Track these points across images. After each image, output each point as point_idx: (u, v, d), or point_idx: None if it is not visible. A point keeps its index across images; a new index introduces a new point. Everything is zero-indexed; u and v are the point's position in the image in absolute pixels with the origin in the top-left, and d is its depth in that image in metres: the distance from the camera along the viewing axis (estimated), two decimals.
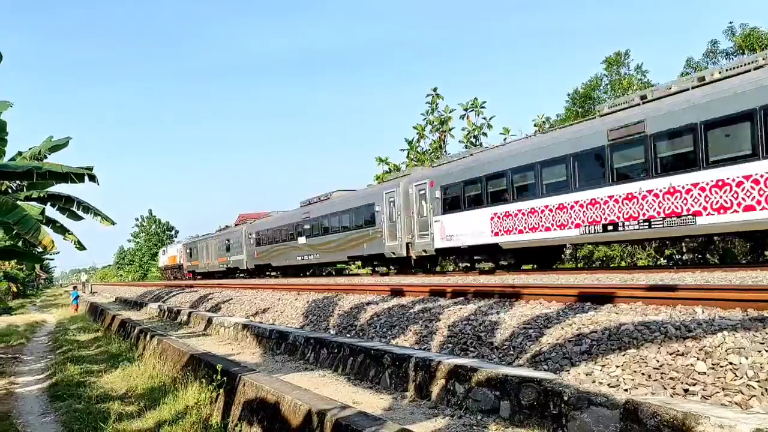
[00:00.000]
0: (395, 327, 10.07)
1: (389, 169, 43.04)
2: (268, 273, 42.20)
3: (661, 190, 15.24)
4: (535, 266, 23.42)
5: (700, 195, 14.42)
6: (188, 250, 59.53)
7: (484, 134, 40.79)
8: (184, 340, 13.92)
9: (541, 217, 18.77)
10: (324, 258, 33.06)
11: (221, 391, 8.29)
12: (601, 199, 16.78)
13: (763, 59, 14.11)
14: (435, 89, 42.38)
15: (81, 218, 16.86)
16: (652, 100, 16.39)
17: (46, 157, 16.51)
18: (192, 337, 15.13)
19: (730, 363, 5.17)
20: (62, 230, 17.61)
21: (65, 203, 16.89)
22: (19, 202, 12.98)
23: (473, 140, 40.72)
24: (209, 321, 16.61)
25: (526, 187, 19.44)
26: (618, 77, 38.47)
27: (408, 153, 42.95)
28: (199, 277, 54.70)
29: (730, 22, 34.31)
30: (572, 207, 17.67)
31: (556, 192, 18.31)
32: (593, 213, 17.03)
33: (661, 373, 5.44)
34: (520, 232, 19.56)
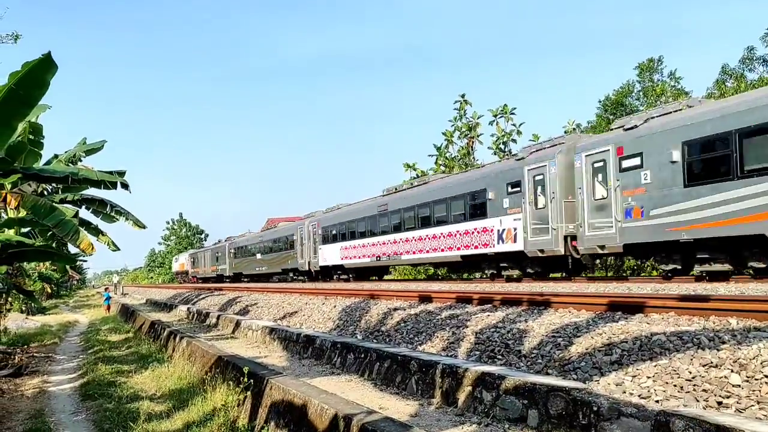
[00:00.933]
0: (422, 333, 10.04)
1: (417, 175, 43.03)
2: (242, 279, 52.39)
3: None
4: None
5: None
6: (192, 259, 71.38)
7: (514, 141, 40.58)
8: (213, 342, 14.06)
9: None
10: (270, 269, 44.22)
11: (248, 393, 8.34)
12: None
13: None
14: (463, 95, 42.35)
15: (114, 220, 17.16)
16: None
17: (80, 160, 16.84)
18: (220, 340, 15.28)
19: (766, 376, 5.04)
20: (96, 232, 17.94)
21: (98, 206, 17.21)
22: (56, 206, 13.26)
23: (503, 146, 40.52)
24: (237, 324, 16.75)
25: None
26: (651, 84, 37.96)
27: (436, 159, 42.90)
28: (200, 281, 64.02)
29: (767, 29, 33.67)
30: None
31: None
32: None
33: (694, 385, 5.33)
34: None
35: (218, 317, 19.51)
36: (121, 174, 13.83)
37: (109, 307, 38.40)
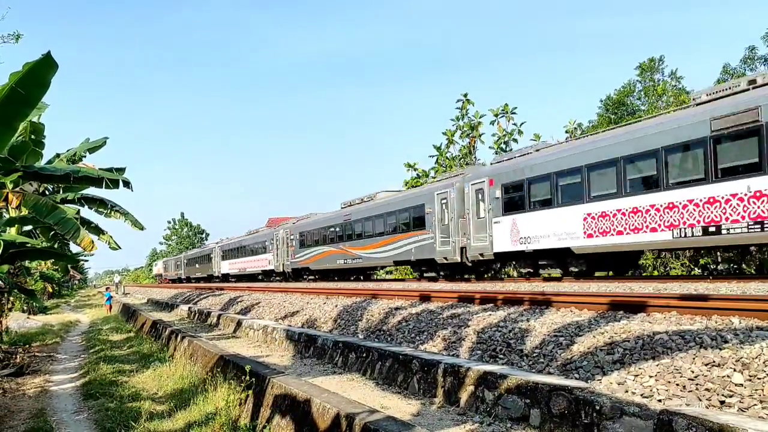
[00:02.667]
0: (424, 332, 10.04)
1: (418, 174, 43.01)
2: (192, 281, 68.23)
3: None
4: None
5: None
6: (164, 265, 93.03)
7: (515, 140, 40.55)
8: (214, 341, 14.07)
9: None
10: (202, 274, 64.27)
11: (250, 392, 8.34)
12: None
13: None
14: (465, 95, 42.31)
15: (115, 217, 17.19)
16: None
17: (82, 159, 16.87)
18: (221, 339, 15.29)
19: None
20: (96, 230, 17.97)
21: (99, 206, 17.25)
22: (57, 204, 13.28)
23: (504, 146, 40.49)
24: (239, 323, 16.76)
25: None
26: (652, 83, 37.94)
27: (437, 159, 42.88)
28: (169, 281, 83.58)
29: None
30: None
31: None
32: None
33: (696, 384, 5.33)
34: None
35: (219, 317, 19.52)
36: (121, 171, 13.83)
37: (110, 307, 38.42)
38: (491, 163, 24.36)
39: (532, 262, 20.71)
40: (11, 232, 13.13)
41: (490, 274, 25.00)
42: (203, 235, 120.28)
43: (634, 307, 8.07)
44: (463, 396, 6.89)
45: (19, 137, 12.97)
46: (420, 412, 6.91)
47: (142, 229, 17.63)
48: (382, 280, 36.26)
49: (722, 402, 5.01)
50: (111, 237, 18.03)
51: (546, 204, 19.19)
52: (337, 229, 33.60)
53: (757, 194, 13.42)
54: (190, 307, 25.95)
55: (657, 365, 5.85)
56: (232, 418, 8.24)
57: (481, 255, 22.07)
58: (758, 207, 13.44)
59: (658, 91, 36.19)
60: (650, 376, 5.73)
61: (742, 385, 5.09)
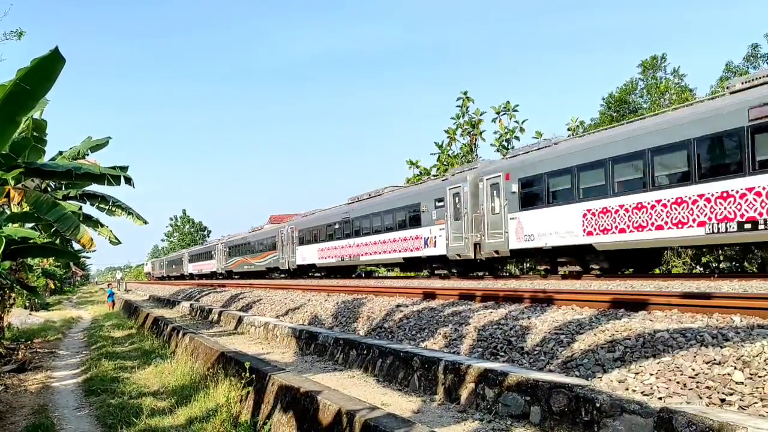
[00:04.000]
0: (424, 330, 10.04)
1: (420, 172, 42.99)
2: (170, 278, 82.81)
3: None
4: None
5: None
6: (152, 265, 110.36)
7: (516, 138, 40.48)
8: (215, 338, 14.09)
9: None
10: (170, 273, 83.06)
11: (251, 389, 8.36)
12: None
13: None
14: (465, 92, 42.23)
15: (117, 215, 17.20)
16: None
17: (85, 157, 16.88)
18: (223, 336, 15.31)
19: None
20: (96, 224, 17.99)
21: (101, 202, 17.26)
22: (58, 201, 13.30)
23: (505, 144, 40.44)
24: (239, 320, 16.78)
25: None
26: (654, 81, 37.85)
27: (439, 156, 42.84)
28: (155, 278, 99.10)
29: None
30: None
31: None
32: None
33: (697, 382, 5.33)
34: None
35: (220, 313, 19.54)
36: (124, 169, 13.84)
37: (113, 304, 38.51)
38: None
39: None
40: (13, 229, 13.14)
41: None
42: (205, 232, 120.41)
43: (635, 305, 8.07)
44: (464, 393, 6.89)
45: (21, 134, 12.97)
46: (420, 409, 6.91)
47: (145, 223, 17.63)
48: (384, 277, 36.42)
49: (723, 400, 5.01)
50: (111, 231, 18.04)
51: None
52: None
53: None
54: (191, 304, 25.98)
55: (658, 363, 5.85)
56: (233, 414, 8.26)
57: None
58: None
59: (661, 88, 36.12)
60: (651, 374, 5.73)
61: (742, 383, 5.08)
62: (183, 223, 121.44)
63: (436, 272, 25.79)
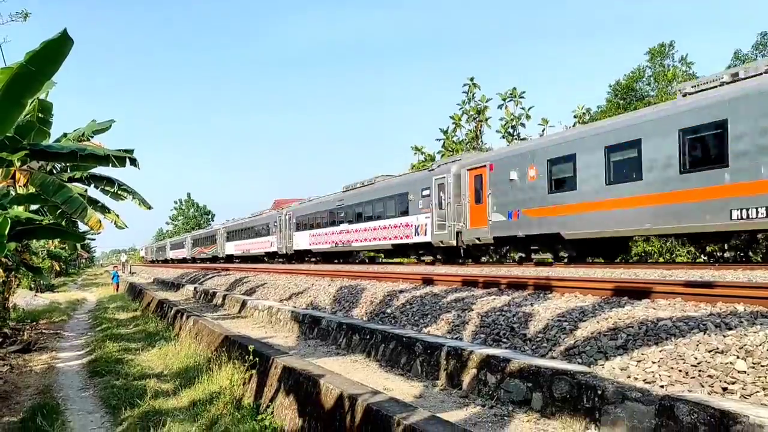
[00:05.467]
0: (427, 315, 10.07)
1: (425, 158, 42.88)
2: (158, 262, 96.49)
3: None
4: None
5: None
6: (145, 249, 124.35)
7: (522, 125, 40.29)
8: (219, 321, 14.16)
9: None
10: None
11: (254, 372, 8.41)
12: None
13: None
14: (472, 79, 41.97)
15: (122, 198, 17.20)
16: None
17: (89, 139, 16.87)
18: (227, 319, 15.38)
19: None
20: (102, 209, 18.01)
21: (106, 184, 17.26)
22: (64, 183, 13.30)
23: (511, 130, 40.27)
24: (243, 304, 16.85)
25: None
26: (662, 69, 37.58)
27: (443, 143, 42.70)
28: (148, 262, 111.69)
29: None
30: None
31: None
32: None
33: (699, 371, 5.33)
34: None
35: (224, 297, 19.62)
36: (129, 152, 13.81)
37: (117, 286, 38.71)
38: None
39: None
40: (19, 210, 13.16)
41: (487, 258, 25.54)
42: (209, 216, 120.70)
43: (638, 293, 8.07)
44: (466, 379, 6.92)
45: (26, 115, 12.96)
46: (422, 394, 6.94)
47: (149, 208, 17.63)
48: (384, 263, 36.41)
49: (725, 389, 5.02)
50: (117, 216, 18.07)
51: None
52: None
53: None
54: (195, 287, 26.09)
55: (660, 351, 5.86)
56: (236, 397, 8.31)
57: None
58: None
59: (668, 76, 35.87)
60: (653, 362, 5.73)
61: (745, 372, 5.08)
62: (187, 206, 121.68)
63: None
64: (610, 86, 40.03)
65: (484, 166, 22.01)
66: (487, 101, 41.59)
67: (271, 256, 46.08)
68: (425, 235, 25.42)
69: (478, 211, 22.25)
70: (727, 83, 14.52)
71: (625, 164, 16.46)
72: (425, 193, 25.56)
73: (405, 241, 27.25)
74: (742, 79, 14.27)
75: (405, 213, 27.14)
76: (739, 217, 13.54)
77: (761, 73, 13.89)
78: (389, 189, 29.17)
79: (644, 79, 38.75)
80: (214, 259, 62.12)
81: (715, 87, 14.76)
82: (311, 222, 37.90)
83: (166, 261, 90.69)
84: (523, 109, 40.32)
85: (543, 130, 36.84)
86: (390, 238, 28.48)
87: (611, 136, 16.89)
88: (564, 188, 18.50)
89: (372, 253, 39.01)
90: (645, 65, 38.72)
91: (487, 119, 41.89)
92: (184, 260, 76.29)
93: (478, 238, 22.22)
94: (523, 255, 21.32)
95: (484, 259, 26.34)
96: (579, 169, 17.83)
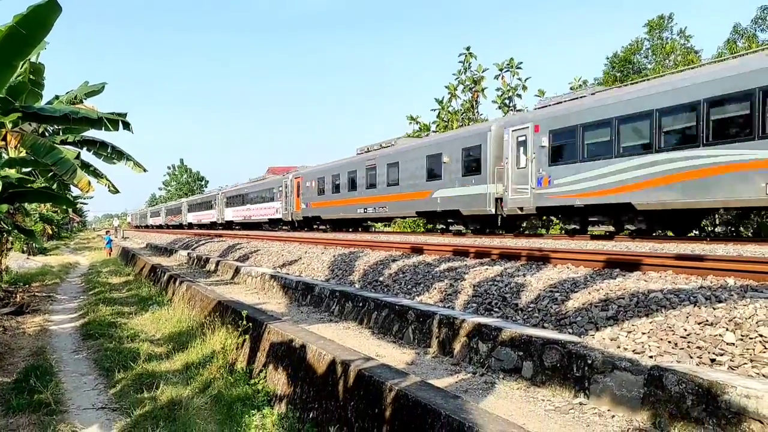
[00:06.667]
0: (420, 284, 10.12)
1: (419, 127, 42.65)
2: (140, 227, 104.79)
3: None
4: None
5: None
6: (131, 216, 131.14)
7: (519, 96, 40.05)
8: (212, 287, 14.20)
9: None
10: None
11: (247, 337, 8.46)
12: None
13: None
14: (468, 48, 41.54)
15: (115, 162, 17.09)
16: None
17: (82, 102, 16.68)
18: (220, 285, 15.42)
19: (761, 335, 5.10)
20: (96, 174, 17.91)
21: (99, 148, 17.13)
22: (55, 145, 13.19)
23: (507, 101, 40.04)
24: (237, 270, 16.88)
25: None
26: (660, 41, 37.29)
27: (439, 113, 42.46)
28: (134, 227, 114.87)
29: None
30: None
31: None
32: None
33: (688, 342, 5.39)
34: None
35: (218, 263, 19.65)
36: (122, 115, 13.69)
37: (110, 251, 38.67)
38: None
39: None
40: (10, 172, 13.07)
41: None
42: (202, 182, 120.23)
43: (630, 265, 8.12)
44: (457, 347, 6.99)
45: (18, 77, 12.78)
46: (414, 361, 7.02)
47: (144, 170, 17.52)
48: (389, 232, 35.70)
49: (713, 360, 5.09)
50: (109, 181, 17.98)
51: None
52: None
53: None
54: (189, 253, 26.10)
55: (650, 322, 5.92)
56: (229, 361, 8.38)
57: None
58: None
59: (666, 49, 35.62)
60: (643, 333, 5.80)
61: (733, 344, 5.15)
62: (180, 172, 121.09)
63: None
64: (607, 58, 39.78)
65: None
66: (483, 71, 41.27)
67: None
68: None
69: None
70: None
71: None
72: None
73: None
74: None
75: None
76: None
77: None
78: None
79: (642, 51, 38.46)
80: (213, 225, 60.86)
81: None
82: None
83: (160, 227, 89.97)
84: (519, 80, 40.05)
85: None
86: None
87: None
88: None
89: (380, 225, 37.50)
90: (643, 38, 38.42)
91: (483, 89, 41.60)
92: (180, 225, 75.21)
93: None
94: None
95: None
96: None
